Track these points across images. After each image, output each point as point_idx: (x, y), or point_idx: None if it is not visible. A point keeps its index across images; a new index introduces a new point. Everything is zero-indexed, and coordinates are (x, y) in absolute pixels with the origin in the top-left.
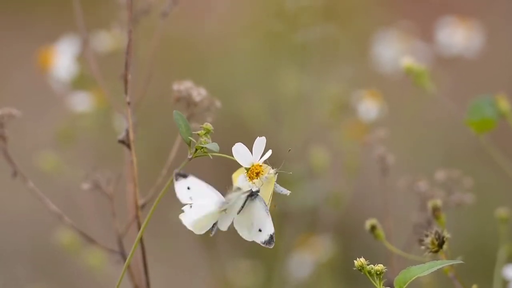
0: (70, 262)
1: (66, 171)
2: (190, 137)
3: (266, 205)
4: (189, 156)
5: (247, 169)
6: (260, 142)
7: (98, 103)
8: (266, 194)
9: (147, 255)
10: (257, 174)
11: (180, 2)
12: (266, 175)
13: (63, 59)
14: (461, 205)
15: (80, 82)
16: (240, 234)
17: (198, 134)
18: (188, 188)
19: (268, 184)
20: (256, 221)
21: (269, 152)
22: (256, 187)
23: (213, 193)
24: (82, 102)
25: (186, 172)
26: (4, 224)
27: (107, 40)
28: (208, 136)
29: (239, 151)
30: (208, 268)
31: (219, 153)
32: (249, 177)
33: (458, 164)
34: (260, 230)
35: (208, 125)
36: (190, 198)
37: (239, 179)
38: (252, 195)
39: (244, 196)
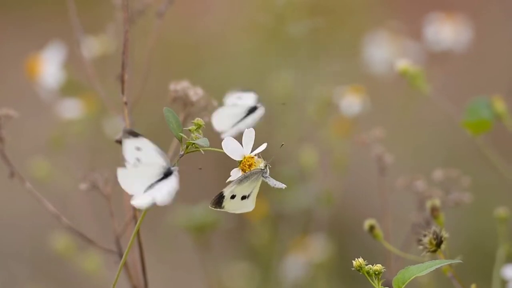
0: (69, 263)
1: (62, 175)
2: (181, 133)
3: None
4: (181, 153)
5: (239, 162)
6: (248, 134)
7: (88, 108)
8: (255, 189)
9: (145, 256)
10: (250, 166)
11: (176, 2)
12: (257, 167)
13: (49, 66)
14: (459, 204)
15: (69, 88)
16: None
17: (189, 130)
18: (138, 149)
19: (257, 179)
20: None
21: (264, 145)
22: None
23: (161, 157)
24: (71, 108)
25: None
26: (3, 225)
27: (97, 44)
28: (200, 132)
29: (229, 144)
30: (204, 270)
31: (211, 148)
32: (242, 170)
33: (456, 164)
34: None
35: (199, 120)
36: (138, 159)
37: (232, 172)
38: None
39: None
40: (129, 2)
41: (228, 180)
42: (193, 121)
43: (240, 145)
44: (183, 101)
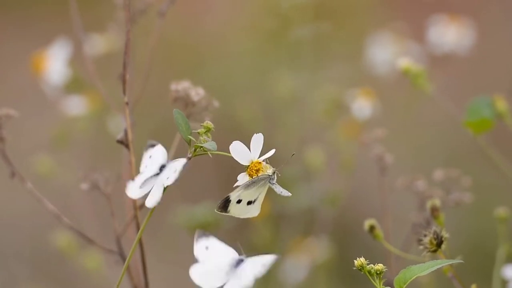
0: (69, 263)
1: (63, 173)
2: (189, 136)
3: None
4: (189, 155)
5: (247, 167)
6: (257, 139)
7: (92, 105)
8: (261, 195)
9: (146, 255)
10: (257, 171)
11: (178, 2)
12: (265, 173)
13: (55, 63)
14: (459, 204)
15: (74, 85)
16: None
17: (198, 132)
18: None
19: (264, 184)
20: None
21: (272, 151)
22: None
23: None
24: (76, 106)
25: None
26: (3, 225)
27: (102, 42)
28: (209, 135)
29: (236, 149)
30: None
31: (218, 151)
32: (249, 175)
33: (458, 164)
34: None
35: (208, 124)
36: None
37: (239, 177)
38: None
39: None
40: (130, 1)
41: (235, 184)
42: (202, 124)
43: (248, 150)
44: (184, 101)
